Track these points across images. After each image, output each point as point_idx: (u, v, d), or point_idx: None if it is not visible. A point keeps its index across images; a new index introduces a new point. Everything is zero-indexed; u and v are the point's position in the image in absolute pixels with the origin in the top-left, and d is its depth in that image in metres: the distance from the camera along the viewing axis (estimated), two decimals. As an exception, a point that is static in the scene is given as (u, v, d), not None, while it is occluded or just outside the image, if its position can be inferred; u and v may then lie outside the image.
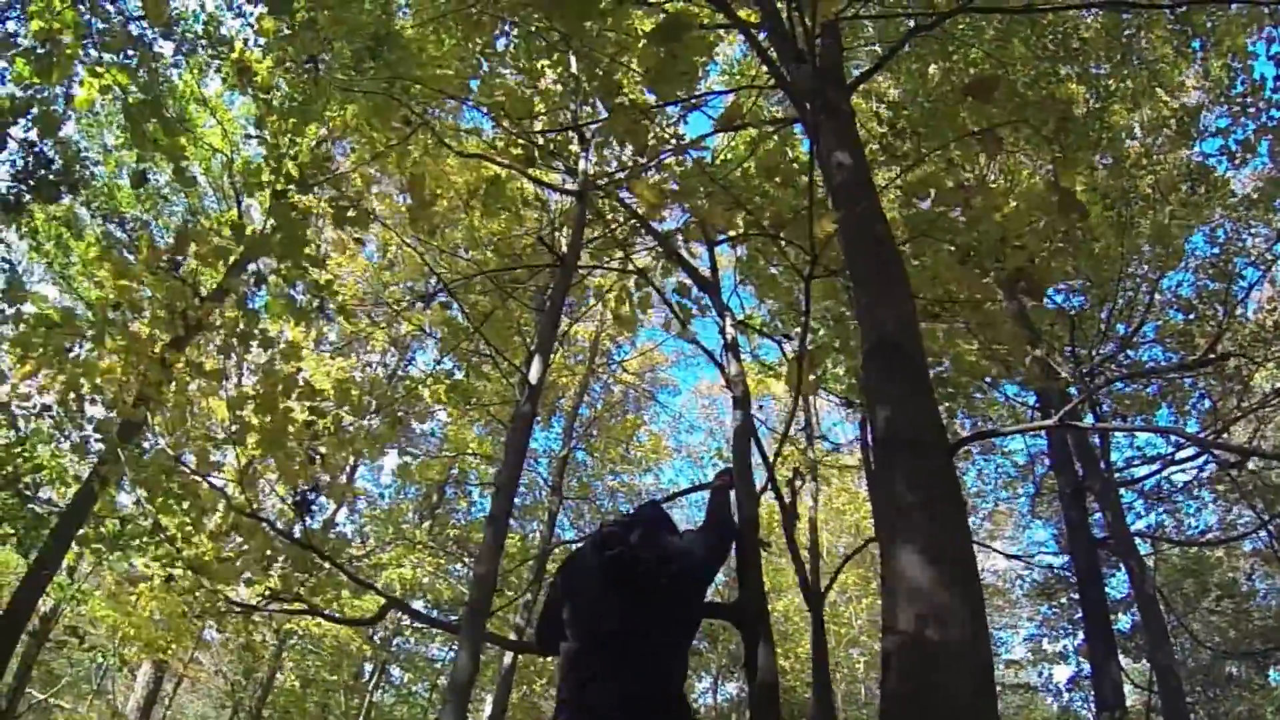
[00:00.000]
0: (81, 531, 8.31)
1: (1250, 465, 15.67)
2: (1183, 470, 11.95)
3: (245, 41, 6.41)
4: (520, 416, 3.57)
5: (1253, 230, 10.41)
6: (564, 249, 4.43)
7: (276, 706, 16.45)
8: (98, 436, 5.49)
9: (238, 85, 6.20)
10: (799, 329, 4.70)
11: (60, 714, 16.02)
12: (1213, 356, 8.19)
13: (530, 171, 5.18)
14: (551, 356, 11.74)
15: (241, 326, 4.97)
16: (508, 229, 6.12)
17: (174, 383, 5.05)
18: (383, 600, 4.14)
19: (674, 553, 2.59)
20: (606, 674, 2.38)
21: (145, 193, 12.25)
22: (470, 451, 14.16)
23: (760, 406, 14.39)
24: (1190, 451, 11.16)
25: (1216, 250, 10.42)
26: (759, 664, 2.69)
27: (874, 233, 3.10)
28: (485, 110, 5.85)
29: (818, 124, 3.75)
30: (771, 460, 3.54)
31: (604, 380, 16.21)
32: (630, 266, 5.15)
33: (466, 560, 14.59)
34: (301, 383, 4.71)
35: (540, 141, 5.21)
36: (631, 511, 3.03)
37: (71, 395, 4.98)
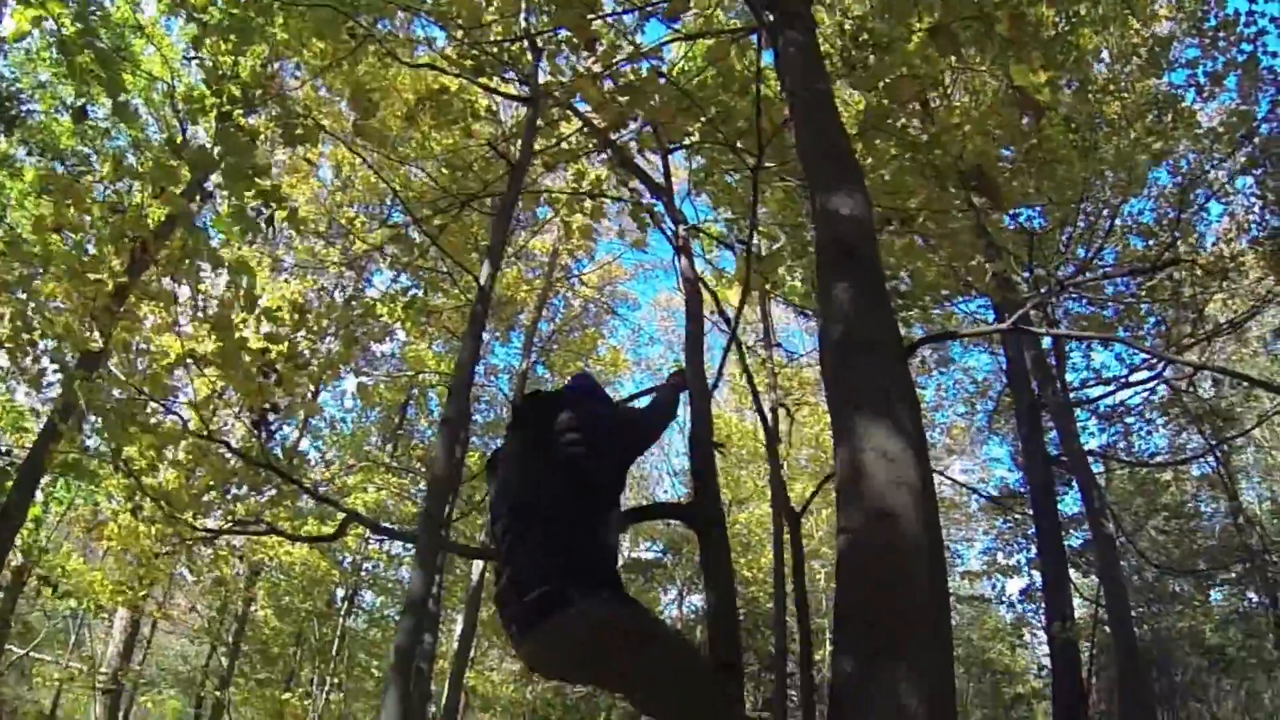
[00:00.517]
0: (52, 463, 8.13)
1: (1200, 392, 16.10)
2: (1135, 393, 12.28)
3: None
4: (472, 318, 3.50)
5: (1215, 163, 10.48)
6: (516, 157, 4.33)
7: (253, 639, 16.60)
8: (54, 368, 5.33)
9: (172, 7, 5.85)
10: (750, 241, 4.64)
11: (40, 666, 16.01)
12: (1164, 263, 8.30)
13: (481, 80, 4.98)
14: (508, 268, 11.57)
15: (190, 244, 4.81)
16: (458, 142, 5.93)
17: (127, 312, 4.89)
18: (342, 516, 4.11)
19: (584, 418, 2.56)
20: (527, 545, 2.36)
21: (85, 128, 11.74)
22: (430, 370, 14.10)
23: (713, 312, 14.46)
24: (1143, 375, 11.43)
25: (1179, 180, 10.51)
26: (717, 570, 2.70)
27: (831, 140, 3.02)
28: (435, 20, 5.61)
29: (776, 30, 3.64)
30: (745, 368, 3.51)
31: (563, 294, 16.12)
32: (584, 175, 5.04)
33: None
34: (256, 303, 4.59)
35: (492, 51, 5.02)
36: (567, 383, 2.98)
37: (22, 331, 4.81)
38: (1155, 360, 9.99)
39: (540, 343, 15.48)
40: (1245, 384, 11.81)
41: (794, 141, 3.55)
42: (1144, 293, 10.65)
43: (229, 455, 4.11)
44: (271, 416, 4.29)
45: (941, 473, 15.62)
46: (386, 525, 12.51)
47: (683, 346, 3.30)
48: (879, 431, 2.25)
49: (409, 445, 16.17)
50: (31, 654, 15.46)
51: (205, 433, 4.10)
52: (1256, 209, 10.49)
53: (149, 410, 4.68)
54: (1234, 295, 11.69)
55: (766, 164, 4.10)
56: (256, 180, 4.47)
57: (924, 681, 2.13)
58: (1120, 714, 8.32)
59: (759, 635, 16.86)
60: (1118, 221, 10.98)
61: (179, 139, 11.49)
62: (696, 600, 20.63)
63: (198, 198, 5.49)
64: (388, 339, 13.31)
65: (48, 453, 8.74)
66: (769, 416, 4.73)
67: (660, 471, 21.45)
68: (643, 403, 3.16)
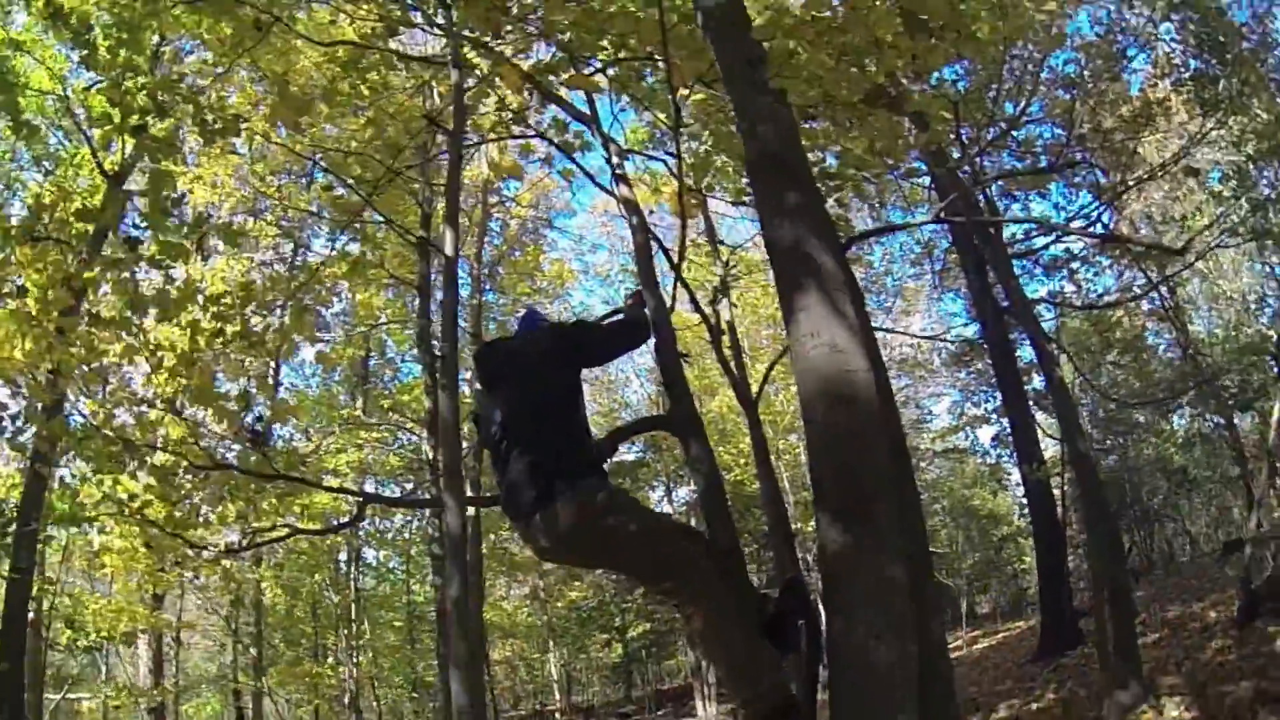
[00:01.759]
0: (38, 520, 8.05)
1: (1142, 231, 16.53)
2: (1079, 240, 12.59)
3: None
4: (447, 291, 3.61)
5: (1135, 10, 10.54)
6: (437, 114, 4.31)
7: (272, 624, 16.87)
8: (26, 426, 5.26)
9: (53, 29, 5.58)
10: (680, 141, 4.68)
11: (78, 705, 16.22)
12: (1064, 163, 8.47)
13: (397, 45, 4.89)
14: (441, 203, 11.43)
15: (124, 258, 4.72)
16: (379, 107, 5.83)
17: (79, 347, 4.81)
18: (349, 498, 4.22)
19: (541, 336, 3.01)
20: (518, 454, 2.72)
21: None
22: (383, 320, 14.07)
23: (652, 211, 14.57)
24: (1079, 223, 11.71)
25: (1100, 30, 10.58)
26: (700, 464, 2.94)
27: (745, 51, 3.09)
28: None
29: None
30: (679, 273, 3.62)
31: (500, 219, 16.03)
32: (505, 106, 5.03)
33: (408, 428, 14.74)
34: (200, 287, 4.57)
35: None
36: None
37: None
38: (1090, 209, 10.27)
39: (486, 269, 15.42)
40: (1176, 221, 12.20)
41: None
42: (1075, 141, 10.83)
43: (238, 472, 4.15)
44: (259, 426, 4.35)
45: (904, 332, 16.00)
46: (407, 498, 12.63)
47: (628, 252, 3.43)
48: (826, 326, 2.44)
49: (377, 396, 16.17)
50: (70, 696, 15.68)
51: (209, 464, 4.14)
52: (1179, 53, 10.63)
53: (135, 442, 4.64)
54: (1165, 135, 11.96)
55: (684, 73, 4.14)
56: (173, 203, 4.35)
57: (896, 541, 2.39)
58: (1089, 543, 8.88)
59: (749, 517, 17.41)
60: (1044, 75, 11.07)
61: (89, 152, 11.13)
62: (683, 493, 21.30)
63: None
64: (335, 299, 13.20)
65: (40, 503, 8.69)
66: (721, 318, 4.88)
67: (627, 373, 21.75)
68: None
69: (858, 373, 2.47)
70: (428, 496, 11.27)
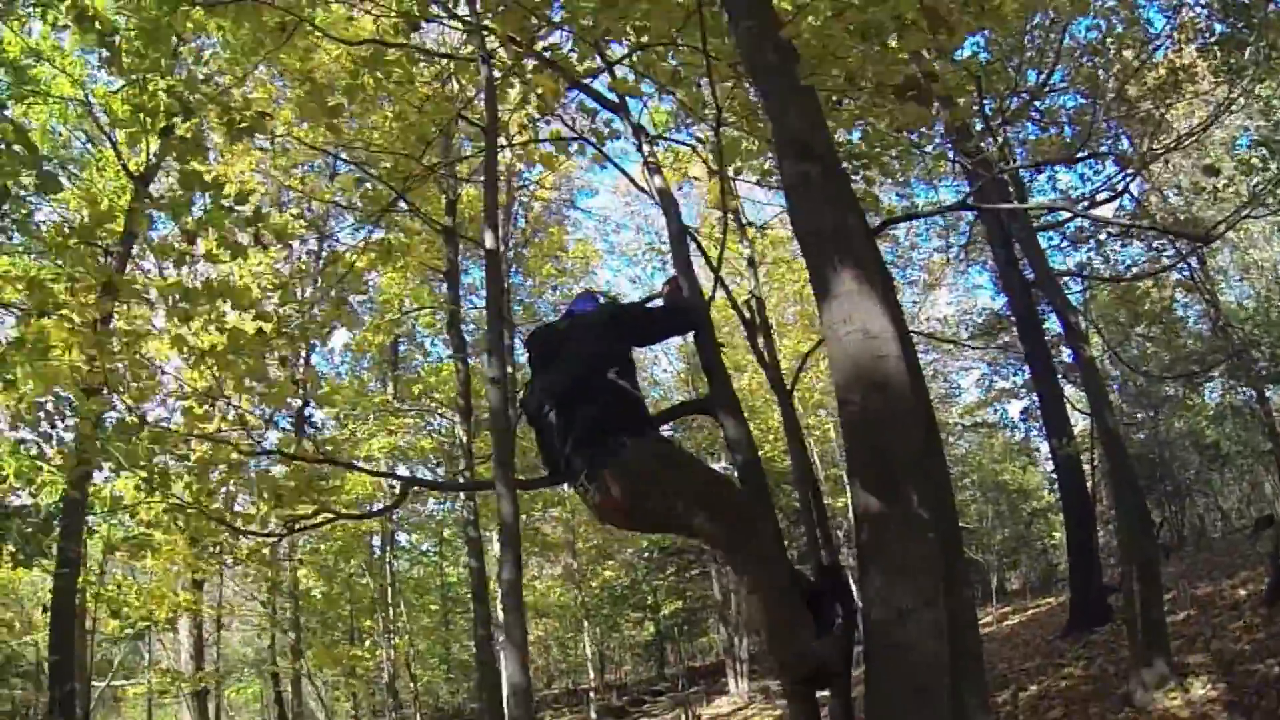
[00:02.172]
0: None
1: (1171, 199, 16.25)
2: (1105, 210, 12.42)
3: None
4: (490, 289, 3.66)
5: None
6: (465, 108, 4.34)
7: (308, 609, 17.19)
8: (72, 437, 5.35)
9: (81, 36, 5.63)
10: (710, 130, 4.68)
11: (124, 691, 16.63)
12: (1085, 155, 8.35)
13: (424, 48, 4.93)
14: (469, 187, 11.51)
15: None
16: (402, 102, 5.87)
17: (115, 345, 4.89)
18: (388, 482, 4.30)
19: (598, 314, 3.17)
20: (577, 420, 2.83)
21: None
22: (412, 307, 14.21)
23: (681, 188, 14.62)
24: (1109, 194, 11.56)
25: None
26: (739, 445, 3.02)
27: (770, 37, 3.12)
28: None
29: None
30: (718, 274, 3.67)
31: (523, 201, 16.09)
32: (547, 119, 5.08)
33: (439, 412, 14.91)
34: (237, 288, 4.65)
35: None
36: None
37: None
38: (1116, 181, 10.12)
39: (512, 251, 15.49)
40: (1208, 193, 11.97)
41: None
42: (1101, 111, 10.67)
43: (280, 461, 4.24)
44: (306, 412, 4.44)
45: (921, 333, 15.89)
46: (451, 482, 12.75)
47: (654, 231, 3.47)
48: (858, 312, 2.49)
49: (408, 381, 16.34)
50: (114, 683, 16.09)
51: (248, 449, 4.24)
52: (1204, 16, 10.42)
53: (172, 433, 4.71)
54: (1192, 102, 11.74)
55: (713, 56, 4.15)
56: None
57: (926, 520, 2.46)
58: (1118, 520, 8.84)
59: (780, 493, 17.48)
60: (1068, 42, 10.91)
61: (110, 152, 11.29)
62: (716, 467, 21.38)
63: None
64: (364, 288, 13.35)
65: (84, 497, 8.87)
66: (754, 308, 4.92)
67: (656, 351, 21.89)
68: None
69: (889, 358, 2.52)
70: (463, 480, 11.40)
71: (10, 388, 4.65)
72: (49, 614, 9.85)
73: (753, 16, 3.22)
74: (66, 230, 4.83)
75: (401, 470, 15.12)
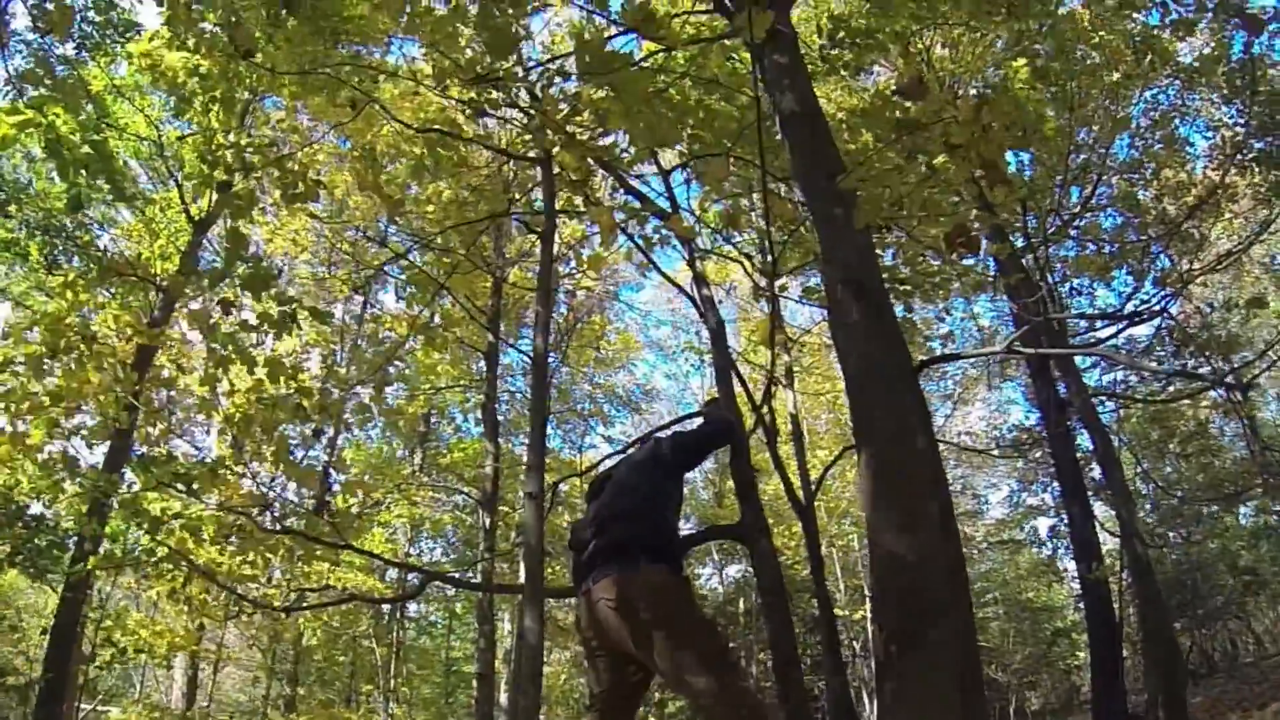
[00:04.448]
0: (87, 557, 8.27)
1: (1207, 313, 16.11)
2: (1143, 325, 12.33)
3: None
4: (535, 397, 3.71)
5: (1201, 94, 10.53)
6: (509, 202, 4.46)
7: (306, 665, 16.95)
8: (94, 479, 5.43)
9: (153, 80, 5.93)
10: (759, 256, 4.77)
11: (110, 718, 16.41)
12: (1133, 314, 8.41)
13: (491, 144, 5.11)
14: (512, 269, 11.69)
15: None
16: (458, 182, 6.09)
17: (149, 386, 4.98)
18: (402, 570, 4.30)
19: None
20: (610, 535, 2.92)
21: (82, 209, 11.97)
22: (448, 385, 14.33)
23: (727, 292, 14.75)
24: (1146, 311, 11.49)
25: (1157, 113, 10.58)
26: (765, 574, 3.01)
27: (826, 166, 3.21)
28: (419, 45, 5.68)
29: (760, 52, 3.79)
30: (759, 412, 3.74)
31: (567, 289, 16.34)
32: (591, 213, 5.20)
33: (464, 492, 14.87)
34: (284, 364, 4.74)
35: (488, 92, 5.16)
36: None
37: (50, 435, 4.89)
38: (1155, 302, 10.12)
39: (553, 338, 15.63)
40: (1243, 309, 11.91)
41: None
42: (1139, 229, 10.72)
43: (304, 540, 4.27)
44: (328, 493, 4.50)
45: (951, 443, 15.79)
46: (479, 582, 12.71)
47: (694, 329, 3.51)
48: (897, 454, 2.51)
49: (435, 454, 16.39)
50: (99, 708, 15.86)
51: (273, 525, 4.28)
52: (1242, 134, 10.53)
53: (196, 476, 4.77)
54: (1232, 222, 11.78)
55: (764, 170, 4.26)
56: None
57: (951, 660, 2.42)
58: (1145, 651, 8.58)
59: (798, 599, 17.14)
60: (1109, 162, 11.04)
61: (174, 196, 11.75)
62: (732, 571, 21.08)
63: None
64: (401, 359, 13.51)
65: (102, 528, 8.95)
66: (774, 418, 4.94)
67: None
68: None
69: (925, 499, 2.52)
70: (481, 568, 11.28)
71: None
72: (48, 635, 9.83)
73: (813, 146, 3.32)
74: (122, 260, 4.94)
75: (420, 543, 15.06)
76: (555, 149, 4.48)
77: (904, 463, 2.49)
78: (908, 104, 4.45)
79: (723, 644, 2.89)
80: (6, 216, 11.54)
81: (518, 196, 5.99)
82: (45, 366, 4.75)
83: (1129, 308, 12.11)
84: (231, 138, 5.86)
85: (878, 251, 4.12)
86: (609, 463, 3.43)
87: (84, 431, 5.15)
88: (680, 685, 2.71)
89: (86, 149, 4.91)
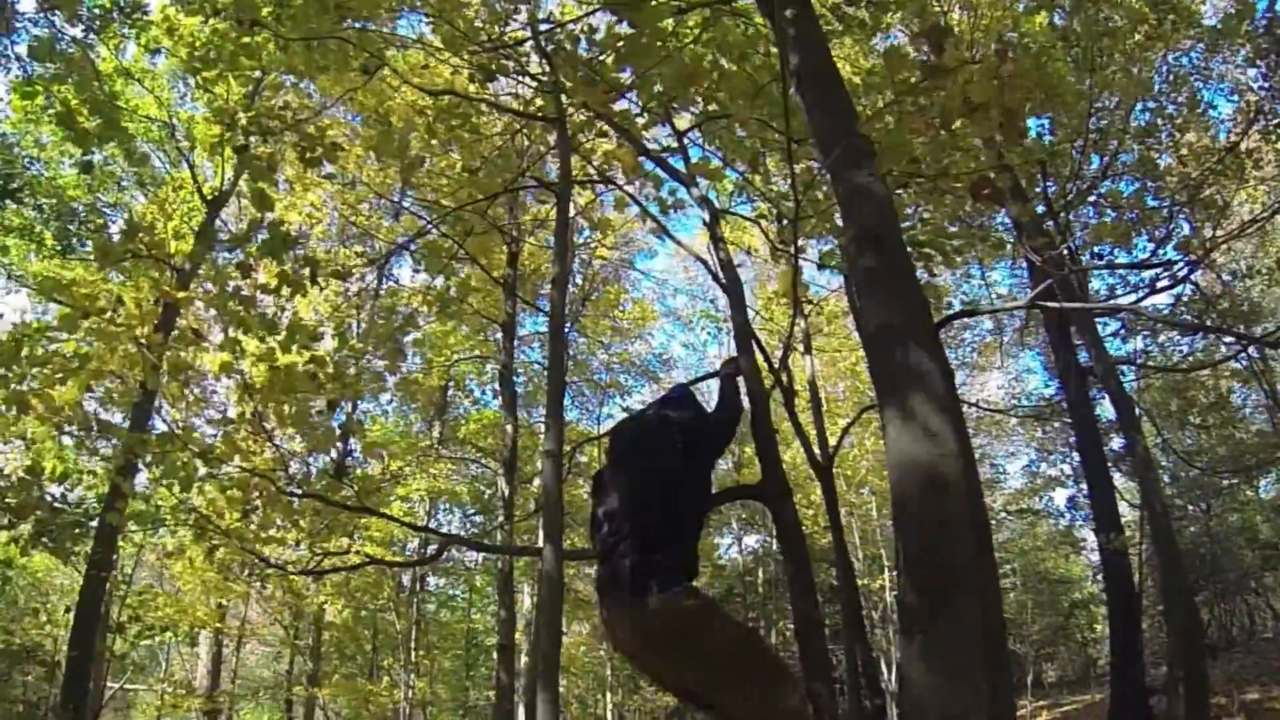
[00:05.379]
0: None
1: (1228, 281, 15.87)
2: (1163, 294, 12.17)
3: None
4: (552, 359, 3.68)
5: (1224, 56, 10.31)
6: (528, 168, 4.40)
7: (330, 640, 17.17)
8: (114, 442, 5.46)
9: (171, 51, 5.92)
10: (778, 211, 4.71)
11: (136, 696, 16.68)
12: (1161, 262, 8.28)
13: (503, 105, 5.05)
14: (527, 243, 11.66)
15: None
16: (471, 152, 6.03)
17: (167, 361, 4.99)
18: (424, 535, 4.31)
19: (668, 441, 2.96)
20: (624, 548, 2.73)
21: (93, 180, 12.05)
22: (464, 354, 14.33)
23: (740, 263, 14.63)
24: (1168, 279, 11.33)
25: (1177, 76, 10.38)
26: (787, 533, 2.99)
27: (844, 123, 3.15)
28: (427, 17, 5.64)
29: (773, 8, 3.72)
30: (778, 377, 3.70)
31: (583, 258, 16.29)
32: (604, 180, 5.16)
33: (481, 461, 14.92)
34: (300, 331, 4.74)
35: (501, 56, 5.11)
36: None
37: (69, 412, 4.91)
38: (1177, 268, 9.98)
39: (568, 308, 15.56)
40: (1266, 274, 11.73)
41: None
42: (1161, 195, 10.54)
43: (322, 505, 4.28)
44: (347, 458, 4.51)
45: (972, 403, 15.62)
46: (497, 544, 12.81)
47: (709, 297, 3.45)
48: (920, 411, 2.47)
49: (454, 426, 16.42)
50: (128, 686, 16.16)
51: (294, 488, 4.29)
52: (1266, 97, 10.32)
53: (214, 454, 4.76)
54: (1256, 189, 11.56)
55: (782, 134, 4.20)
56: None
57: (975, 618, 2.40)
58: (1166, 624, 8.52)
59: (817, 569, 17.16)
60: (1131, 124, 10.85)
61: (189, 174, 11.81)
62: (751, 541, 21.14)
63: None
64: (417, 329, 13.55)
65: (117, 509, 9.08)
66: (793, 380, 4.90)
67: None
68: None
69: (949, 458, 2.48)
70: (501, 535, 11.34)
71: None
72: (72, 613, 9.99)
73: (830, 103, 3.25)
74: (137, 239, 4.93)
75: (439, 513, 15.17)
76: (569, 110, 4.44)
77: (926, 420, 2.45)
78: (928, 55, 4.37)
79: (761, 659, 2.80)
80: (20, 203, 11.64)
81: (531, 166, 5.93)
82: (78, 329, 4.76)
83: (1149, 275, 11.99)
84: (248, 105, 5.88)
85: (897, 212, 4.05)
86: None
87: (115, 395, 5.21)
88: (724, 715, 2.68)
89: (97, 120, 4.93)
